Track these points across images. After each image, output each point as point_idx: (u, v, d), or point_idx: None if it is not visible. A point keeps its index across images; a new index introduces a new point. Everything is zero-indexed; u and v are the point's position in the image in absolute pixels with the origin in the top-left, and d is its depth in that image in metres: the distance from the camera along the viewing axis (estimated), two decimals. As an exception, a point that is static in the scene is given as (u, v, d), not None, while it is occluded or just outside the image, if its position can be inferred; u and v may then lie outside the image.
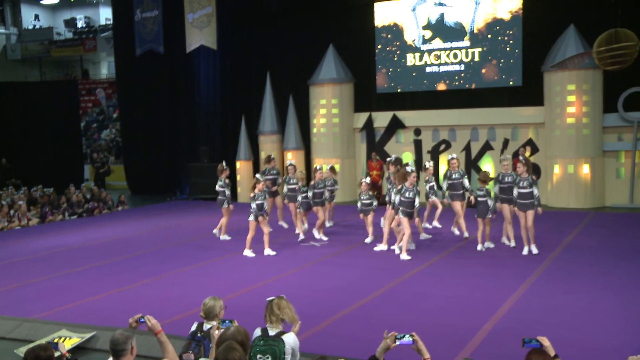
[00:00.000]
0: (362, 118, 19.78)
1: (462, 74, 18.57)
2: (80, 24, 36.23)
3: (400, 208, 10.83)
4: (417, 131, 19.22)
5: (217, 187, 13.09)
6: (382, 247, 12.08)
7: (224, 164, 13.45)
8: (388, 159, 13.03)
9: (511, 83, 18.03)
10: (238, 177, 20.51)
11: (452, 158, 12.43)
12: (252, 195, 11.34)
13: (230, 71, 21.85)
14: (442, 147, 18.90)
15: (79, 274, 10.86)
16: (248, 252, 11.54)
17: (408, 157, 19.59)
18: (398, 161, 12.58)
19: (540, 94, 17.67)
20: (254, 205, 11.35)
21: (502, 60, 18.08)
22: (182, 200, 21.37)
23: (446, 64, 18.72)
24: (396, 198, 10.80)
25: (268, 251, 11.65)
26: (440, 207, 13.14)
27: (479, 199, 11.16)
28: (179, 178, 22.79)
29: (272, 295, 5.05)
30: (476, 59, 18.36)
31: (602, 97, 17.01)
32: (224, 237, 13.49)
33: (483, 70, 18.34)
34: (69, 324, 7.99)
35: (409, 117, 19.23)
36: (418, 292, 9.03)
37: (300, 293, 9.06)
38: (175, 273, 10.64)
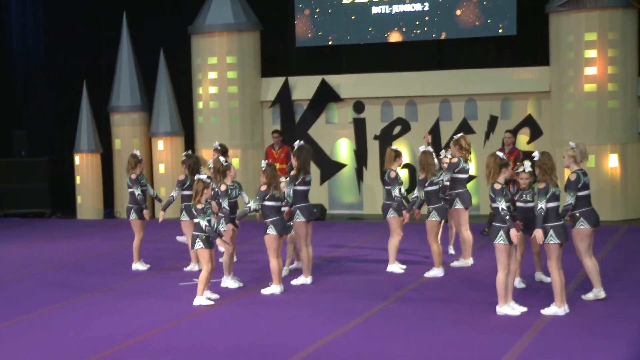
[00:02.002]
0: (274, 86, 19.74)
1: (427, 18, 18.73)
2: None
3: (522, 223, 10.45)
4: (359, 105, 19.31)
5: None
6: (303, 280, 12.33)
7: (137, 153, 13.85)
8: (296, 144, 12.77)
9: (500, 31, 18.32)
10: (78, 180, 20.27)
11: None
12: (199, 206, 11.21)
13: (62, 14, 21.28)
14: (397, 129, 19.07)
15: None
16: (202, 300, 11.40)
17: (344, 147, 19.68)
18: (304, 150, 12.42)
19: (545, 47, 17.99)
20: (203, 224, 11.19)
21: (486, -3, 18.41)
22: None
23: (402, 1, 18.85)
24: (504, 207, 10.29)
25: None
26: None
27: (520, 203, 10.95)
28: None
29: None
30: (447, -6, 18.63)
31: (637, 52, 17.52)
32: (137, 265, 13.91)
33: (458, 12, 18.57)
34: None
35: (347, 84, 19.29)
36: (362, 352, 8.96)
37: (181, 360, 8.92)
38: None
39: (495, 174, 10.29)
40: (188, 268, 13.51)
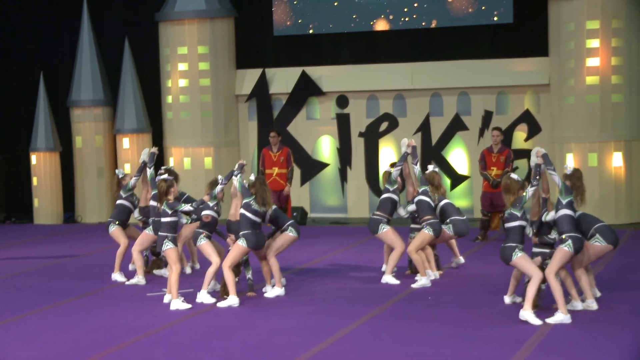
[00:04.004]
0: (249, 79, 19.80)
1: (415, 5, 18.79)
2: None
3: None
4: (342, 100, 19.39)
5: None
6: (277, 291, 12.36)
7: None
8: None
9: (495, 19, 18.43)
10: (34, 181, 20.17)
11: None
12: (171, 201, 11.83)
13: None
14: (384, 126, 19.18)
15: None
16: (178, 304, 11.65)
17: (327, 145, 19.79)
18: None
19: (543, 37, 18.11)
20: (187, 208, 11.92)
21: (480, -18, 18.37)
22: None
23: (390, -13, 18.81)
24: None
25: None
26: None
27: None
28: None
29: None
30: (438, -22, 18.55)
31: (645, 41, 17.50)
32: (116, 276, 13.80)
33: (450, -1, 18.60)
34: None
35: (329, 76, 19.39)
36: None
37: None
38: None
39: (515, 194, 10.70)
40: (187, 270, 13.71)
